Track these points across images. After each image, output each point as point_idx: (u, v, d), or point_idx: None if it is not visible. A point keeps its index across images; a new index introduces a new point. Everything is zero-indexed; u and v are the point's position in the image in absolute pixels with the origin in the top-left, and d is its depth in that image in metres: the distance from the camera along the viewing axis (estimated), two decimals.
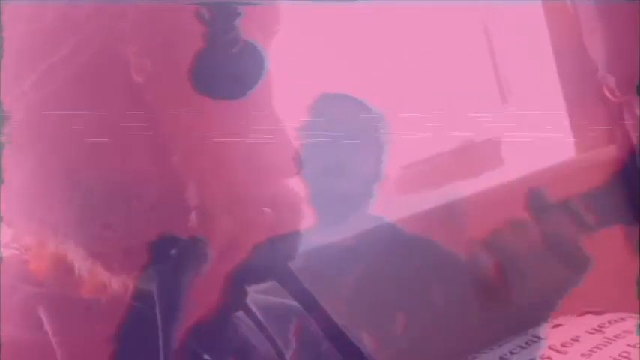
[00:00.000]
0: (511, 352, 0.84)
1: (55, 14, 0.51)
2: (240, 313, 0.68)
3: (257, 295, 0.71)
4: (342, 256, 0.97)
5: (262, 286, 0.69)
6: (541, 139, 1.41)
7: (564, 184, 1.24)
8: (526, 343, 0.85)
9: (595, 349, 0.80)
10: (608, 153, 1.36)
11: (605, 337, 0.83)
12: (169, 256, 0.55)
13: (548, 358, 0.82)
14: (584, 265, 0.90)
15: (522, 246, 0.90)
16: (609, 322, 0.85)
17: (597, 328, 0.85)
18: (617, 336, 0.82)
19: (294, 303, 0.68)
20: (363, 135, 1.18)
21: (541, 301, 0.88)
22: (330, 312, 0.67)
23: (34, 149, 0.53)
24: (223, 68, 0.55)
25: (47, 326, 0.55)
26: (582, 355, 0.80)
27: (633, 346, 0.79)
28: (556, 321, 0.88)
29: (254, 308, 0.68)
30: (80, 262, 0.56)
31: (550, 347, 0.83)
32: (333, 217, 1.13)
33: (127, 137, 0.53)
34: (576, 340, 0.83)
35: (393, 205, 1.26)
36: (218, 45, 0.54)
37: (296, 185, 0.64)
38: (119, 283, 0.56)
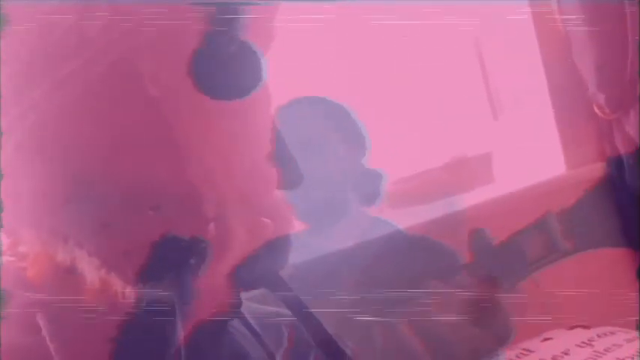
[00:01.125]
0: None
1: (67, 27, 0.51)
2: (234, 322, 0.68)
3: (250, 303, 0.71)
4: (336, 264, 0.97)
5: (253, 293, 0.69)
6: (531, 155, 1.42)
7: (553, 199, 1.25)
8: (516, 356, 0.85)
9: None
10: (598, 169, 1.37)
11: (594, 351, 0.83)
12: (178, 262, 0.55)
13: None
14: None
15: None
16: (599, 335, 0.86)
17: (587, 341, 0.85)
18: (606, 349, 0.82)
19: (287, 312, 0.68)
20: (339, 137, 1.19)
21: None
22: (321, 320, 0.68)
23: (43, 159, 0.53)
24: (221, 67, 0.55)
25: (45, 332, 0.55)
26: None
27: None
28: (546, 334, 0.89)
29: (248, 316, 0.69)
30: (93, 271, 0.56)
31: None
32: (323, 222, 1.14)
33: (140, 146, 0.54)
34: (566, 354, 0.84)
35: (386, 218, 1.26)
36: (216, 43, 0.54)
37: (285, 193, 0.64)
38: (132, 292, 0.56)
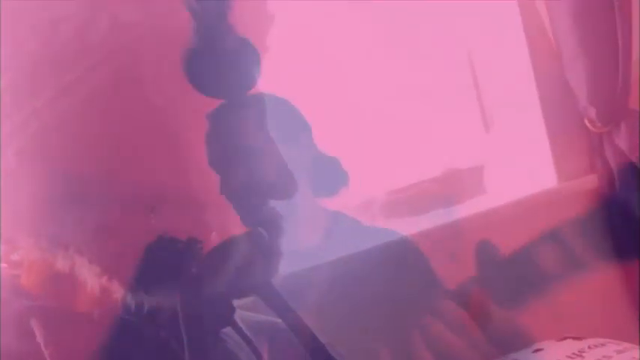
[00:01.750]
0: None
1: (70, 34, 0.51)
2: (227, 329, 0.68)
3: (243, 312, 0.72)
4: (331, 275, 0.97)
5: (244, 301, 0.69)
6: (523, 167, 1.43)
7: (545, 213, 1.26)
8: None
9: None
10: (589, 182, 1.38)
11: None
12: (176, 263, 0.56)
13: None
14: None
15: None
16: (589, 347, 0.86)
17: (578, 353, 0.85)
18: None
19: (280, 321, 0.68)
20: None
21: None
22: (314, 329, 0.68)
23: (45, 166, 0.54)
24: (216, 65, 0.55)
25: (39, 338, 0.56)
26: None
27: None
28: (537, 345, 0.89)
29: (241, 324, 0.69)
30: (93, 278, 0.56)
31: None
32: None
33: (142, 153, 0.54)
34: None
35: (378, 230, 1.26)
36: (209, 40, 0.54)
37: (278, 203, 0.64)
38: (133, 299, 0.57)
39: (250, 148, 0.61)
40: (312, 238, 1.05)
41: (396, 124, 1.39)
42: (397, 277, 0.98)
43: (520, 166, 1.43)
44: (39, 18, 0.53)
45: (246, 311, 0.72)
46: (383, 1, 1.38)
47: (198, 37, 0.54)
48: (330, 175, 1.27)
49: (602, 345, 0.87)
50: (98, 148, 0.54)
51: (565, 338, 0.91)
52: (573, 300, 1.12)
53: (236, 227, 0.59)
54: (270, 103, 1.22)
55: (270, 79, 0.63)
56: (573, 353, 0.85)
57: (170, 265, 0.56)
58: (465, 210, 1.32)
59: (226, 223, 0.58)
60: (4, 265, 0.59)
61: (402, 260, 1.02)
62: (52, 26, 0.52)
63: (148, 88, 0.53)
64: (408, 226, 1.26)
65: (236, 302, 0.68)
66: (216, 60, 0.56)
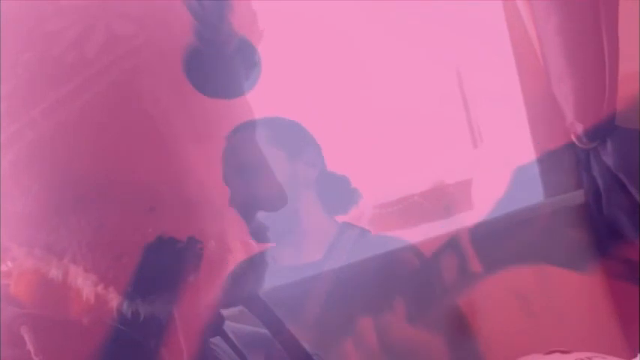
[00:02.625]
0: None
1: (67, 45, 0.52)
2: (216, 339, 0.68)
3: (231, 323, 0.72)
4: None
5: (231, 311, 0.69)
6: (510, 182, 1.44)
7: (532, 228, 1.27)
8: None
9: None
10: (576, 198, 1.39)
11: None
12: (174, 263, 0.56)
13: None
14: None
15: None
16: None
17: None
18: None
19: (266, 331, 0.68)
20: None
21: None
22: (299, 339, 0.68)
23: (40, 176, 0.54)
24: (217, 65, 0.56)
25: (30, 346, 0.55)
26: None
27: None
28: (522, 359, 0.89)
29: (230, 334, 0.69)
30: (89, 287, 0.56)
31: None
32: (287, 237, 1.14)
33: (138, 161, 0.54)
34: None
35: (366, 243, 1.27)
36: (210, 41, 0.55)
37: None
38: (129, 306, 0.57)
39: (252, 165, 0.62)
40: (317, 251, 1.06)
41: (386, 139, 1.40)
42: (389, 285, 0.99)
43: (507, 182, 1.44)
44: (34, 29, 0.53)
45: (233, 322, 0.73)
46: (374, 21, 1.39)
47: (199, 37, 0.55)
48: (342, 193, 1.28)
49: (589, 359, 0.87)
50: (96, 154, 0.54)
51: (552, 352, 0.91)
52: (558, 313, 1.13)
53: (233, 228, 0.59)
54: (284, 125, 1.23)
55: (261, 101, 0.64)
56: None
57: (168, 268, 0.57)
58: (454, 223, 1.33)
59: (224, 224, 0.58)
60: None
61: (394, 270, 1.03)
62: (50, 37, 0.53)
63: (145, 97, 0.54)
64: (397, 240, 1.26)
65: (224, 312, 0.68)
66: (216, 60, 0.56)
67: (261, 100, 0.64)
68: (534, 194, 1.43)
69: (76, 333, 0.58)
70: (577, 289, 1.18)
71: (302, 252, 1.12)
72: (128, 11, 0.54)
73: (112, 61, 0.52)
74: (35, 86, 0.52)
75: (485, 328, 0.98)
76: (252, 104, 0.62)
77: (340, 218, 1.29)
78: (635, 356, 0.85)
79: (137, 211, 0.55)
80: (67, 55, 0.52)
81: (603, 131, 1.32)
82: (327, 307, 0.91)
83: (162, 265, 0.56)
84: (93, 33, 0.52)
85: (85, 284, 0.56)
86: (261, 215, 0.63)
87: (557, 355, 0.90)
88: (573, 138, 1.37)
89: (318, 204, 1.25)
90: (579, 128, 1.33)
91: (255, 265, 0.62)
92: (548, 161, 1.44)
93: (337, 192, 1.29)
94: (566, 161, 1.41)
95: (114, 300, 0.56)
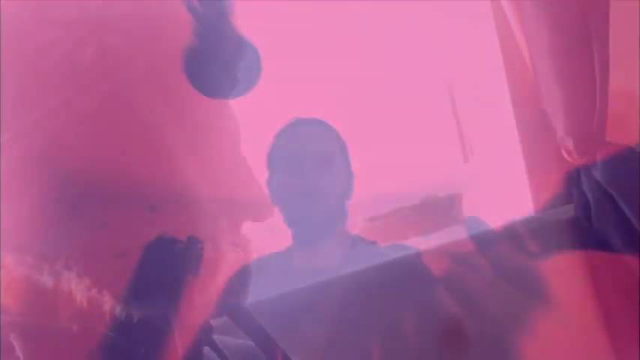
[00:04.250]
0: None
1: (60, 56, 0.52)
2: (205, 349, 0.68)
3: (220, 336, 0.71)
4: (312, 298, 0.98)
5: (217, 321, 0.69)
6: (500, 196, 1.44)
7: (522, 242, 1.27)
8: None
9: None
10: (566, 212, 1.39)
11: None
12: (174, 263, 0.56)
13: None
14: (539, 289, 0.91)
15: (477, 280, 0.90)
16: None
17: None
18: None
19: (252, 344, 0.68)
20: (332, 158, 1.21)
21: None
22: (287, 351, 0.68)
23: (35, 180, 0.54)
24: (217, 66, 0.56)
25: (19, 353, 0.55)
26: None
27: None
28: None
29: (220, 346, 0.69)
30: (83, 291, 0.55)
31: None
32: (310, 237, 1.15)
33: (134, 167, 0.54)
34: None
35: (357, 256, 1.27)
36: (210, 40, 0.55)
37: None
38: (123, 310, 0.56)
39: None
40: (332, 258, 1.07)
41: (376, 152, 1.40)
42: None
43: (497, 196, 1.44)
44: (25, 39, 0.53)
45: (222, 334, 0.72)
46: (366, 34, 1.40)
47: (199, 37, 0.55)
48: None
49: None
50: (93, 157, 0.54)
51: None
52: (551, 332, 1.13)
53: (226, 231, 0.59)
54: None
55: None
56: None
57: (167, 268, 0.56)
58: (442, 237, 1.33)
59: (217, 226, 0.58)
60: None
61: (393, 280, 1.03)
62: (43, 47, 0.53)
63: (139, 106, 0.54)
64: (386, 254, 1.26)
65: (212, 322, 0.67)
66: (216, 60, 0.57)
67: (254, 105, 0.64)
68: (524, 208, 1.43)
69: (66, 340, 0.57)
70: (567, 301, 1.18)
71: (318, 257, 1.13)
72: (119, 24, 0.54)
73: (105, 72, 0.53)
74: (26, 96, 0.52)
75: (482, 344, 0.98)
76: (251, 107, 0.62)
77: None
78: None
79: (137, 210, 0.55)
80: (60, 65, 0.52)
81: (594, 146, 1.33)
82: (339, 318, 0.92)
83: (162, 266, 0.56)
84: (85, 45, 0.52)
85: (78, 289, 0.56)
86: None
87: None
88: (564, 153, 1.37)
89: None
90: (570, 143, 1.34)
91: (240, 276, 0.62)
92: (538, 176, 1.44)
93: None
94: (556, 176, 1.41)
95: (107, 304, 0.56)
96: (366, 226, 1.37)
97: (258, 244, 0.63)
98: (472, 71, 1.50)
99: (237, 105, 0.61)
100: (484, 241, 1.25)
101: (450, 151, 1.52)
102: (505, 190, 1.45)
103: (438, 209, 1.42)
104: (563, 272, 1.14)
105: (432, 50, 1.47)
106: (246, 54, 0.59)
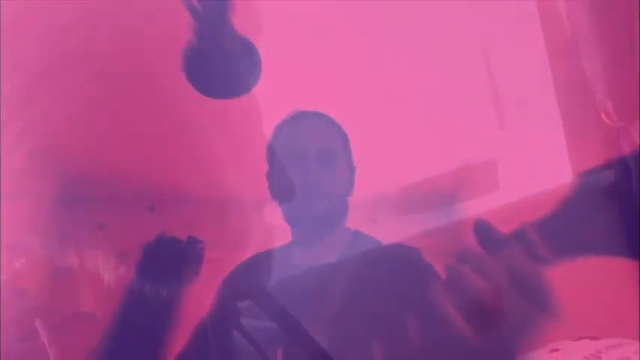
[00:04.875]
0: None
1: (72, 43, 0.51)
2: (233, 330, 0.68)
3: (246, 319, 0.71)
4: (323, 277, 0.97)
5: (242, 305, 0.69)
6: (538, 162, 1.41)
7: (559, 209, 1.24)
8: None
9: None
10: (605, 178, 1.36)
11: None
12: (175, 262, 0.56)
13: None
14: (546, 299, 0.89)
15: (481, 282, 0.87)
16: (607, 347, 0.85)
17: (595, 353, 0.84)
18: None
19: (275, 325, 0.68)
20: (334, 155, 1.19)
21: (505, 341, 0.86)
22: (311, 333, 0.68)
23: (48, 168, 0.53)
24: (217, 65, 0.55)
25: (44, 339, 0.55)
26: None
27: None
28: (553, 345, 0.88)
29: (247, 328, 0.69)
30: (109, 272, 0.56)
31: None
32: (310, 234, 1.14)
33: (144, 152, 0.54)
34: None
35: (390, 226, 1.25)
36: (210, 40, 0.54)
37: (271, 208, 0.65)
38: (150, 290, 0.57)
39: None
40: (332, 254, 1.06)
41: (412, 120, 1.38)
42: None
43: (535, 162, 1.42)
44: (43, 27, 0.53)
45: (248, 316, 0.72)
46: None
47: (198, 37, 0.54)
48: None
49: (620, 345, 0.86)
50: (101, 149, 0.53)
51: (581, 338, 0.89)
52: (586, 298, 1.11)
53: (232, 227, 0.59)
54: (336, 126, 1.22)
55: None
56: (591, 354, 0.84)
57: (171, 263, 0.56)
58: (479, 206, 1.32)
59: (223, 223, 0.58)
60: (5, 272, 0.59)
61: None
62: (57, 34, 0.52)
63: (149, 93, 0.53)
64: (421, 223, 1.25)
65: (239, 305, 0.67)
66: (216, 60, 0.55)
67: (264, 99, 0.63)
68: (562, 174, 1.41)
69: (90, 325, 0.58)
70: (606, 274, 1.15)
71: (318, 251, 1.12)
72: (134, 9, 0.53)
73: (115, 56, 0.52)
74: (33, 87, 0.52)
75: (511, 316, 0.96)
76: (255, 103, 0.61)
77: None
78: None
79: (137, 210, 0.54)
80: (72, 53, 0.51)
81: (634, 108, 1.29)
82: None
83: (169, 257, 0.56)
84: (98, 29, 0.51)
85: (104, 269, 0.56)
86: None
87: (586, 341, 0.89)
88: (603, 116, 1.34)
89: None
90: (609, 105, 1.31)
91: (261, 259, 0.62)
92: (576, 140, 1.41)
93: None
94: (595, 140, 1.38)
95: (128, 285, 0.56)
96: (399, 196, 1.36)
97: (258, 242, 0.62)
98: (508, 34, 1.46)
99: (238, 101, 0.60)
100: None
101: (485, 116, 1.49)
102: (542, 156, 1.42)
103: (474, 176, 1.40)
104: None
105: (464, 11, 1.44)
106: (246, 54, 0.57)
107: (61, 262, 0.56)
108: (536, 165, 1.41)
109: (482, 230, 0.88)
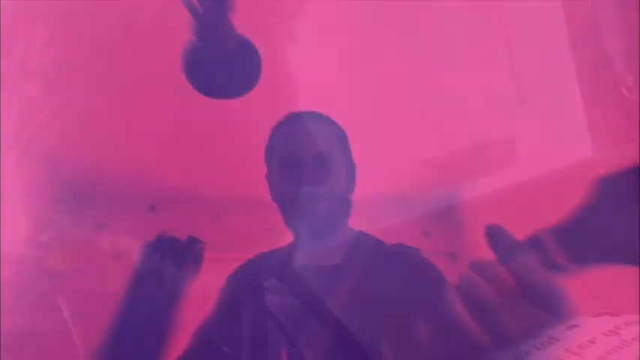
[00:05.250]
0: (526, 354, 0.83)
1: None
2: (254, 308, 0.68)
3: (271, 295, 0.72)
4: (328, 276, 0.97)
5: (267, 284, 0.69)
6: (558, 138, 1.41)
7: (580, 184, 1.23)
8: (542, 344, 0.84)
9: (612, 352, 0.79)
10: (626, 152, 1.35)
11: (621, 340, 0.82)
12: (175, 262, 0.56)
13: None
14: (560, 306, 0.88)
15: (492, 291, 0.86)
16: (625, 324, 0.84)
17: (613, 329, 0.84)
18: (633, 339, 0.81)
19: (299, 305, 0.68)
20: (332, 157, 1.17)
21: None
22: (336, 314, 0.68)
23: (47, 167, 0.54)
24: (216, 66, 0.55)
25: (67, 316, 0.56)
26: (599, 357, 0.79)
27: None
28: (572, 322, 0.87)
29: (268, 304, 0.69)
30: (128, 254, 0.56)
31: (566, 349, 0.82)
32: (312, 235, 1.13)
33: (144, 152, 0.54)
34: (592, 342, 0.83)
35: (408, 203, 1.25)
36: (210, 40, 0.54)
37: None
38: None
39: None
40: (335, 256, 1.05)
41: (430, 96, 1.38)
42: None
43: (554, 136, 1.41)
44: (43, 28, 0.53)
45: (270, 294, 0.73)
46: None
47: (198, 37, 0.54)
48: None
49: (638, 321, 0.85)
50: (101, 149, 0.54)
51: (600, 314, 0.89)
52: (607, 275, 1.10)
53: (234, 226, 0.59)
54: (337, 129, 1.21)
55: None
56: (609, 330, 0.84)
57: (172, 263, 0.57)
58: (497, 181, 1.31)
59: (223, 223, 0.58)
60: (30, 248, 0.60)
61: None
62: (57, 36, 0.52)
63: (149, 93, 0.53)
64: (439, 198, 1.24)
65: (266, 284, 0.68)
66: (216, 60, 0.55)
67: (264, 99, 0.62)
68: (582, 149, 1.40)
69: (114, 302, 0.58)
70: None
71: (319, 255, 1.11)
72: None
73: (118, 53, 0.52)
74: (41, 84, 0.52)
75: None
76: (254, 104, 0.61)
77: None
78: None
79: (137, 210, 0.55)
80: (77, 51, 0.51)
81: None
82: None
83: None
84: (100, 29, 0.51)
85: (128, 247, 0.56)
86: None
87: (605, 317, 0.89)
88: (623, 89, 1.33)
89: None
90: (630, 79, 1.30)
91: (262, 259, 0.62)
92: (597, 114, 1.40)
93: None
94: (615, 114, 1.37)
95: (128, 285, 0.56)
96: (420, 170, 1.36)
97: (258, 243, 0.63)
98: (528, 8, 1.45)
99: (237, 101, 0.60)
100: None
101: (505, 92, 1.48)
102: (563, 130, 1.41)
103: (492, 151, 1.39)
104: None
105: None
106: (246, 54, 0.57)
107: (96, 240, 0.57)
108: (557, 139, 1.40)
109: (496, 236, 0.87)
